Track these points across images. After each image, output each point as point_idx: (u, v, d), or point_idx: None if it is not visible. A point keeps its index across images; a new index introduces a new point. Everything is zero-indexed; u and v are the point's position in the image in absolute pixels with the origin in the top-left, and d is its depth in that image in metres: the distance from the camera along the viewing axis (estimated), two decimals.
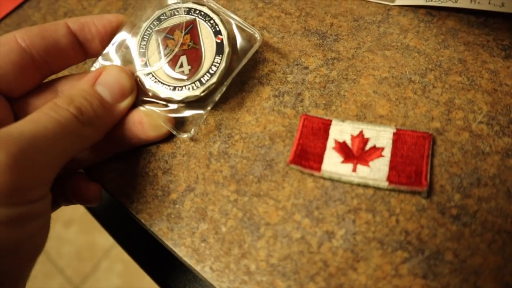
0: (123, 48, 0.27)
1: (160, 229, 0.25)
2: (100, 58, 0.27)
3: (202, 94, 0.26)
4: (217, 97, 0.26)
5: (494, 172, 0.23)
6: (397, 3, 0.30)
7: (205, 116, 0.26)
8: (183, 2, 0.27)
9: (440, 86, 0.26)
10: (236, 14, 0.32)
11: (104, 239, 1.12)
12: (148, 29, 0.27)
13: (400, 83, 0.27)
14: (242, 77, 0.29)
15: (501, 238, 0.21)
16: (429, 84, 0.26)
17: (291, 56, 0.29)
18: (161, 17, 0.27)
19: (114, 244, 1.13)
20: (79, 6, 0.37)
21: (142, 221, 0.25)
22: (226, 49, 0.26)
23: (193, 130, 0.26)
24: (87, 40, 0.26)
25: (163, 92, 0.26)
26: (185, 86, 0.26)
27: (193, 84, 0.26)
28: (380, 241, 0.22)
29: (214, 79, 0.26)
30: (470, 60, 0.27)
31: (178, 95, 0.26)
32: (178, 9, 0.27)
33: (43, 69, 0.25)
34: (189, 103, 0.26)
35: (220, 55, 0.26)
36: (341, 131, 0.25)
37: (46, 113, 0.21)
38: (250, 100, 0.28)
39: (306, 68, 0.28)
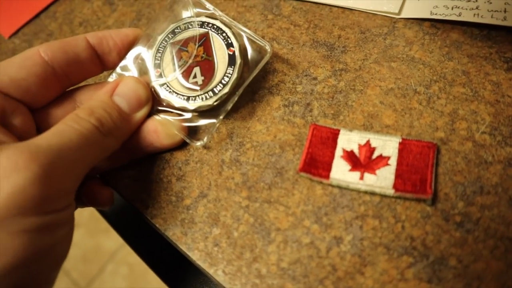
0: (139, 59, 0.28)
1: (174, 233, 0.26)
2: (117, 69, 0.28)
3: (214, 104, 0.27)
4: (229, 106, 0.27)
5: (497, 180, 0.24)
6: (402, 15, 0.31)
7: (217, 125, 0.27)
8: (197, 16, 0.29)
9: (444, 97, 0.27)
10: (246, 25, 0.33)
11: (110, 242, 1.13)
12: (163, 42, 0.28)
13: (406, 94, 0.28)
14: (253, 87, 0.30)
15: (503, 245, 0.22)
16: (433, 95, 0.27)
17: (300, 67, 0.30)
18: (176, 30, 0.28)
19: (120, 247, 1.14)
20: (94, 17, 0.38)
21: (157, 225, 0.26)
22: (238, 60, 0.27)
23: (206, 138, 0.27)
24: (105, 53, 0.27)
25: (177, 101, 0.27)
26: (198, 96, 0.27)
27: (206, 94, 0.27)
28: (387, 246, 0.23)
29: (226, 89, 0.27)
30: (474, 72, 0.28)
31: (192, 104, 0.27)
32: (192, 23, 0.28)
33: (64, 81, 0.27)
34: (202, 112, 0.28)
35: (232, 66, 0.27)
36: (349, 140, 0.26)
37: (70, 125, 0.22)
38: (261, 109, 0.29)
39: (315, 78, 0.29)
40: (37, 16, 0.39)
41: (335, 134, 0.26)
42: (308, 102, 0.29)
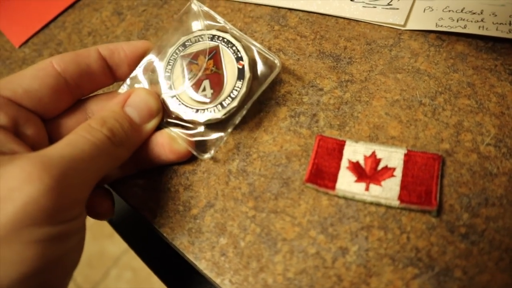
0: (150, 71, 0.28)
1: (181, 243, 0.26)
2: (128, 80, 0.28)
3: (223, 117, 0.27)
4: (237, 120, 0.27)
5: (502, 192, 0.24)
6: (408, 27, 0.32)
7: (225, 138, 0.28)
8: (207, 29, 0.29)
9: (450, 108, 0.27)
10: (253, 36, 0.34)
11: (114, 246, 1.14)
12: (174, 54, 0.29)
13: (411, 106, 0.28)
14: (260, 97, 0.30)
15: (508, 257, 0.22)
16: (439, 107, 0.28)
17: (306, 78, 0.31)
18: (186, 43, 0.29)
19: (124, 252, 1.15)
20: (103, 26, 0.38)
21: (165, 235, 0.27)
22: (247, 74, 0.28)
23: (213, 151, 0.27)
24: (116, 64, 0.28)
25: (187, 114, 0.27)
26: (207, 109, 0.27)
27: (215, 107, 0.27)
28: (392, 257, 0.23)
29: (235, 103, 0.27)
30: (479, 84, 0.28)
31: (201, 117, 0.27)
32: (202, 36, 0.29)
33: (75, 92, 0.27)
34: (210, 125, 0.28)
35: (241, 80, 0.27)
36: (355, 151, 0.26)
37: (82, 136, 0.22)
38: (268, 120, 0.29)
39: (321, 89, 0.30)
40: (46, 25, 0.40)
41: (341, 145, 0.27)
42: (314, 113, 0.29)
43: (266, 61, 0.29)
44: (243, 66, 0.28)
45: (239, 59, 0.28)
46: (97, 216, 0.28)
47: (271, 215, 0.26)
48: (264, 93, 0.30)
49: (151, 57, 0.29)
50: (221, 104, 0.27)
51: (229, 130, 0.27)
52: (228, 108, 0.27)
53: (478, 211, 0.24)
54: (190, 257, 0.26)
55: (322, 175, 0.26)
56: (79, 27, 0.39)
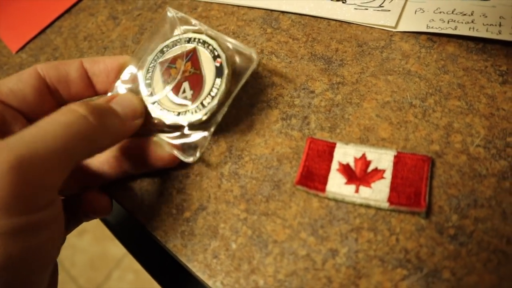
0: (130, 81, 0.29)
1: (174, 245, 0.27)
2: (110, 93, 0.29)
3: (204, 118, 0.27)
4: (219, 117, 0.27)
5: (490, 194, 0.24)
6: (399, 29, 0.32)
7: (209, 138, 0.27)
8: (184, 33, 0.29)
9: (440, 110, 0.28)
10: (246, 39, 0.34)
11: (116, 248, 1.15)
12: (153, 62, 0.29)
13: (402, 107, 0.28)
14: (251, 100, 0.30)
15: (496, 258, 0.22)
16: (429, 108, 0.28)
17: (298, 81, 0.31)
18: (164, 49, 0.29)
19: (126, 253, 1.15)
20: (98, 31, 0.39)
21: (158, 237, 0.27)
22: (225, 71, 0.28)
23: (198, 153, 0.27)
24: (95, 75, 0.29)
25: (169, 118, 0.28)
26: (188, 110, 0.27)
27: (196, 108, 0.27)
28: (381, 259, 0.24)
29: (215, 101, 0.27)
30: (469, 85, 0.28)
31: (183, 119, 0.27)
32: (179, 40, 0.29)
33: (56, 96, 0.28)
34: (193, 126, 0.28)
35: (220, 78, 0.27)
36: (345, 153, 0.26)
37: (54, 117, 0.22)
38: (259, 122, 0.29)
39: (312, 92, 0.30)
40: (43, 31, 0.40)
41: (331, 148, 0.27)
42: (305, 115, 0.29)
43: (243, 56, 0.29)
44: (221, 63, 0.28)
45: (216, 57, 0.28)
46: (96, 213, 0.28)
47: (262, 217, 0.26)
48: (256, 96, 0.31)
49: (131, 68, 0.29)
50: (201, 103, 0.27)
51: (212, 129, 0.27)
52: (209, 107, 0.27)
53: (467, 212, 0.24)
54: (183, 259, 0.26)
55: (313, 177, 0.26)
56: (75, 32, 0.39)
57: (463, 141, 0.26)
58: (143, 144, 0.28)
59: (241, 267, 0.25)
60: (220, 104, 0.27)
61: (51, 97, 0.28)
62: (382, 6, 0.33)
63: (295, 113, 0.29)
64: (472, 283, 0.22)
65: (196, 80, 0.28)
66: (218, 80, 0.27)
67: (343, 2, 0.34)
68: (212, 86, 0.27)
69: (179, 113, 0.28)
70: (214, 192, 0.28)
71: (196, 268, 0.26)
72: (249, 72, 0.28)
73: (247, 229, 0.26)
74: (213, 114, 0.27)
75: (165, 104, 0.28)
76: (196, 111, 0.27)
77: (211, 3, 0.37)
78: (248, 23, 0.35)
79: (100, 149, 0.25)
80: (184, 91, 0.28)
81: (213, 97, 0.27)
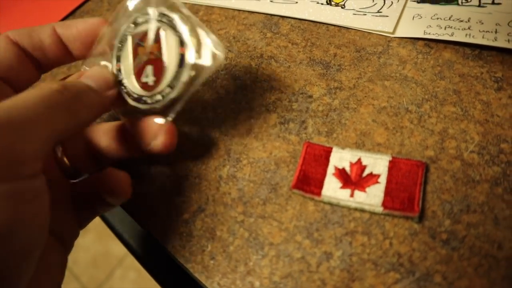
0: (103, 50, 0.27)
1: (173, 246, 0.27)
2: (87, 60, 0.28)
3: (160, 107, 0.26)
4: (178, 108, 0.26)
5: (483, 199, 0.25)
6: (397, 35, 0.32)
7: (165, 128, 0.26)
8: (157, 7, 0.27)
9: (435, 116, 0.28)
10: (246, 43, 0.34)
11: (118, 247, 1.15)
12: (126, 32, 0.27)
13: (398, 113, 0.29)
14: (250, 104, 0.31)
15: (487, 263, 0.23)
16: (425, 114, 0.28)
17: (296, 85, 0.31)
18: (137, 21, 0.27)
19: (128, 252, 1.16)
20: None
21: (157, 238, 0.28)
22: (189, 62, 0.25)
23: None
24: (69, 41, 0.28)
25: (129, 100, 0.27)
26: (148, 97, 0.26)
27: (154, 97, 0.26)
28: (374, 262, 0.24)
29: (173, 94, 0.25)
30: (464, 91, 0.29)
31: (141, 105, 0.26)
32: (151, 15, 0.26)
33: (35, 63, 0.28)
34: (151, 113, 0.26)
35: (181, 68, 0.25)
36: (341, 158, 0.27)
37: (25, 91, 0.22)
38: (258, 126, 0.30)
39: (310, 96, 0.30)
40: None
41: (327, 152, 0.27)
42: (303, 119, 0.30)
43: (212, 49, 0.26)
44: (185, 52, 0.25)
45: (181, 44, 0.25)
46: (113, 191, 0.27)
47: (259, 220, 0.27)
48: (255, 100, 0.31)
49: (107, 36, 0.27)
50: (160, 93, 0.26)
51: (170, 119, 0.26)
52: (167, 99, 0.25)
53: (459, 217, 0.24)
54: (181, 260, 0.27)
55: (309, 181, 0.26)
56: None
57: (458, 147, 0.27)
58: (138, 122, 0.27)
59: (237, 268, 0.26)
60: (179, 96, 0.25)
61: (31, 64, 0.27)
62: (380, 12, 0.33)
63: (293, 118, 0.30)
64: (463, 287, 0.22)
65: (159, 66, 0.26)
66: (180, 71, 0.25)
67: (342, 8, 0.34)
68: (173, 77, 0.25)
69: (139, 99, 0.26)
70: (212, 195, 0.28)
71: (194, 269, 0.26)
72: (213, 69, 0.25)
73: (244, 231, 0.26)
74: (171, 104, 0.26)
75: (128, 85, 0.27)
76: (155, 101, 0.26)
77: (212, 7, 0.38)
78: (249, 27, 0.35)
79: (83, 123, 0.24)
80: (147, 76, 0.26)
81: (172, 88, 0.25)
